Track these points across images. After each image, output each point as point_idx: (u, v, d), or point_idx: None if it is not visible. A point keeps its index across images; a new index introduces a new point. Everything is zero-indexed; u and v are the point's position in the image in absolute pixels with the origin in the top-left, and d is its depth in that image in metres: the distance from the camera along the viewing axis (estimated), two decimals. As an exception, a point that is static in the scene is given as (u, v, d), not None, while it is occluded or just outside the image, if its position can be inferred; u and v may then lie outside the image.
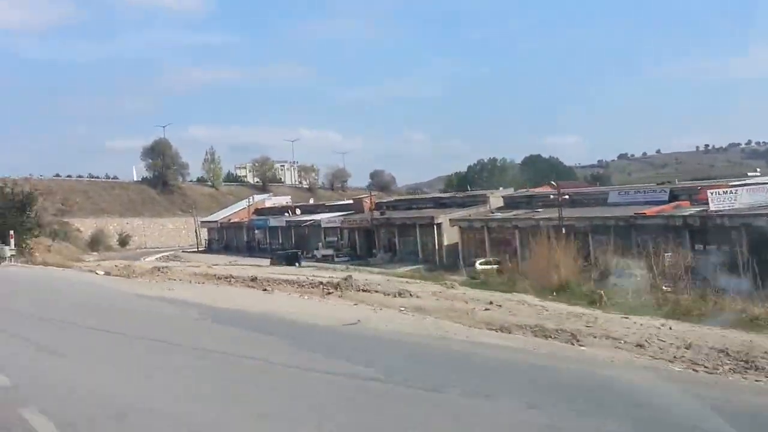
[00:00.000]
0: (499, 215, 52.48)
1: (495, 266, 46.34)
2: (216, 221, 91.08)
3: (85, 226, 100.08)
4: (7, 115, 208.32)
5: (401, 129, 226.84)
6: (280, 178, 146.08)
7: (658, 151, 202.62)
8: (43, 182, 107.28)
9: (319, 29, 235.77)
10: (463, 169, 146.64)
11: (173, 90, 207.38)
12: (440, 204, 62.65)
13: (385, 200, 67.81)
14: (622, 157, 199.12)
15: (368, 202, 68.77)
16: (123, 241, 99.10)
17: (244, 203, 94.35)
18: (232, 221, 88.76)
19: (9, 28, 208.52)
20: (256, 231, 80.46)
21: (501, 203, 56.98)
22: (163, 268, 28.39)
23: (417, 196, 72.92)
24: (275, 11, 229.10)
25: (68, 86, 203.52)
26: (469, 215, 55.15)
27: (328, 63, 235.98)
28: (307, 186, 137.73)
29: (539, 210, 50.64)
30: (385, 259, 58.66)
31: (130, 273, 24.48)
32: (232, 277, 23.80)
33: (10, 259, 30.75)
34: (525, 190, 65.23)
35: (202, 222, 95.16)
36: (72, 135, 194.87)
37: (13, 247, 31.65)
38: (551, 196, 49.90)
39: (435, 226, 55.46)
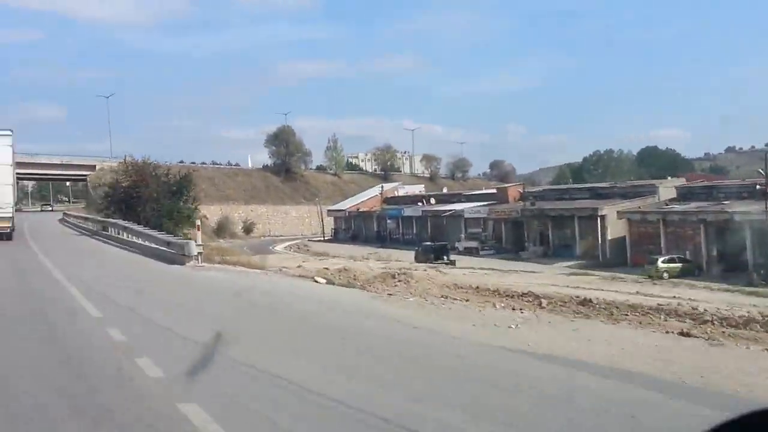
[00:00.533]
0: (678, 207, 46.69)
1: (681, 265, 40.95)
2: (343, 210, 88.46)
3: (211, 212, 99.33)
4: (124, 105, 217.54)
5: (501, 121, 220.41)
6: (398, 167, 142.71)
7: (767, 145, 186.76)
8: (171, 168, 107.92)
9: (423, 22, 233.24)
10: (567, 160, 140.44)
11: (281, 83, 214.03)
12: (597, 194, 57.20)
13: (533, 190, 62.69)
14: (729, 150, 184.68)
15: (513, 191, 64.07)
16: (248, 229, 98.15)
17: (372, 192, 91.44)
18: (360, 210, 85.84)
19: (126, 23, 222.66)
20: (389, 221, 77.10)
21: (673, 194, 51.14)
22: (398, 274, 22.34)
23: (568, 186, 67.28)
24: (380, 5, 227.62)
25: (181, 79, 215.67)
26: (639, 207, 49.62)
27: (431, 55, 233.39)
28: (428, 175, 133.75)
29: (725, 202, 44.66)
30: (537, 254, 53.92)
31: (357, 280, 19.22)
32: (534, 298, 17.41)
33: (197, 259, 21.22)
34: (701, 180, 58.85)
35: (329, 210, 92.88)
36: (184, 126, 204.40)
37: (200, 242, 22.61)
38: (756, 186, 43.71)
39: (598, 219, 50.25)
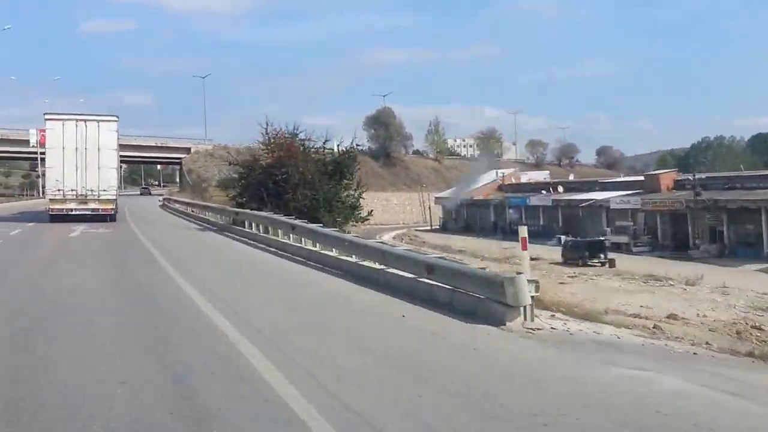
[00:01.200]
0: None
1: None
2: (454, 197, 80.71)
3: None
4: (213, 94, 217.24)
5: (585, 108, 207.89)
6: (498, 153, 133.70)
7: None
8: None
9: (507, 8, 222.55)
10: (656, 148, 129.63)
11: (367, 71, 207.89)
12: (778, 183, 47.74)
13: (693, 177, 53.44)
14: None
15: (667, 179, 55.09)
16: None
17: (486, 178, 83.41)
18: (474, 198, 77.98)
19: (214, 13, 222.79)
20: (510, 210, 68.98)
21: None
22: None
23: (740, 173, 57.63)
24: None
25: (268, 68, 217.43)
26: None
27: (513, 42, 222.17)
28: (533, 161, 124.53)
29: None
30: (711, 253, 45.04)
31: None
32: None
33: (527, 312, 8.69)
34: None
35: (436, 198, 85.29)
36: (273, 113, 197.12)
37: (529, 275, 9.93)
38: None
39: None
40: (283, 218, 19.98)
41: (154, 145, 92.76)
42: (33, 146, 79.87)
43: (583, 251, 42.86)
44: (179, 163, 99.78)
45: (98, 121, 29.06)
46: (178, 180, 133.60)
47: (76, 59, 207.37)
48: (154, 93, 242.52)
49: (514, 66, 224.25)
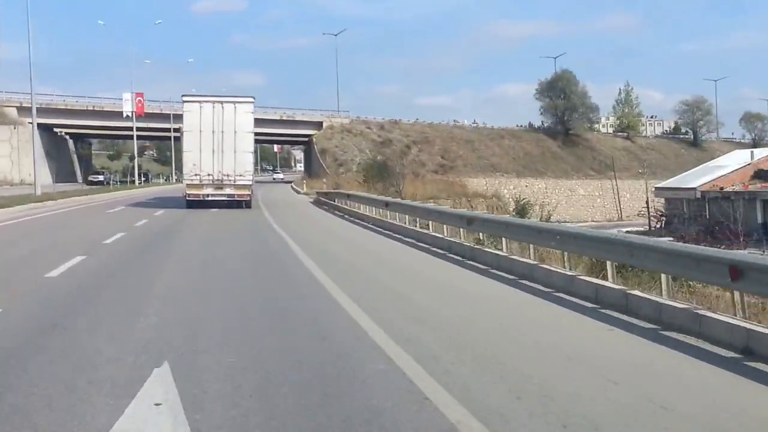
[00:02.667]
0: None
1: None
2: (690, 188, 56.67)
3: (474, 187, 71.88)
4: (328, 71, 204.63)
5: (728, 83, 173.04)
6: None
7: None
8: (414, 126, 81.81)
9: None
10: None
11: (483, 46, 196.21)
12: None
13: None
14: None
15: None
16: (522, 212, 69.19)
17: (727, 160, 59.17)
18: (722, 189, 53.60)
19: None
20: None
21: None
22: None
23: None
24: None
25: (385, 43, 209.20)
26: None
27: (651, 14, 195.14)
28: (751, 140, 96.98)
29: None
30: None
31: None
32: None
33: None
34: None
35: (657, 189, 61.43)
36: (389, 92, 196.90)
37: None
38: None
39: None
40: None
41: (277, 118, 73.67)
42: (127, 115, 63.14)
43: None
44: (306, 142, 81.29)
45: (234, 102, 27.79)
46: (301, 163, 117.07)
47: (190, 39, 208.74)
48: (266, 72, 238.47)
49: (651, 39, 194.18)
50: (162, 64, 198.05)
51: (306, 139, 79.17)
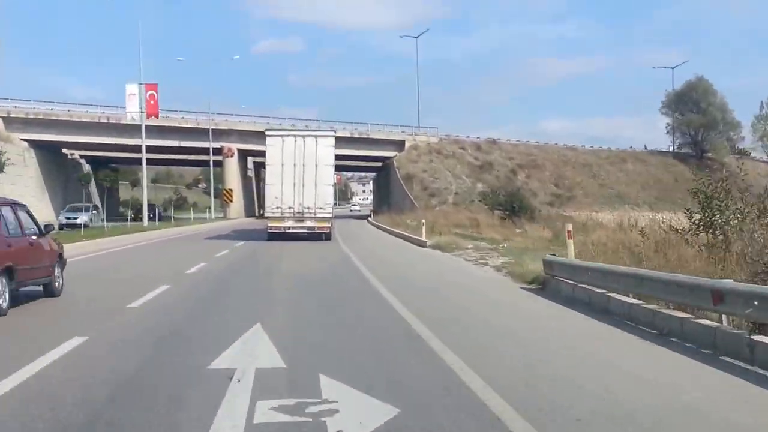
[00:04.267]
0: None
1: None
2: None
3: (599, 222, 54.46)
4: (372, 106, 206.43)
5: None
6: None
7: None
8: (518, 147, 65.41)
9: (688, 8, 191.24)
10: None
11: (530, 82, 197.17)
12: None
13: None
14: None
15: None
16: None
17: None
18: None
19: (378, 28, 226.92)
20: None
21: None
22: None
23: None
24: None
25: (435, 80, 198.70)
26: None
27: (699, 45, 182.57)
28: None
29: None
30: None
31: None
32: None
33: None
34: None
35: None
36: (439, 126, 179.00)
37: None
38: None
39: None
40: None
41: (348, 135, 57.59)
42: (133, 117, 46.14)
43: None
44: (380, 168, 65.37)
45: (316, 136, 28.49)
46: (370, 191, 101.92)
47: (250, 78, 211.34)
48: (322, 107, 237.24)
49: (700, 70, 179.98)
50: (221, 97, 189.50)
51: (381, 163, 63.14)
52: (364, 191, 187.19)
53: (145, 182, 47.53)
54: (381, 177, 67.80)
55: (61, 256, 11.08)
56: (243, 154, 60.78)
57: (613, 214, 55.05)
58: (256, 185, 75.79)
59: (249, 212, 61.67)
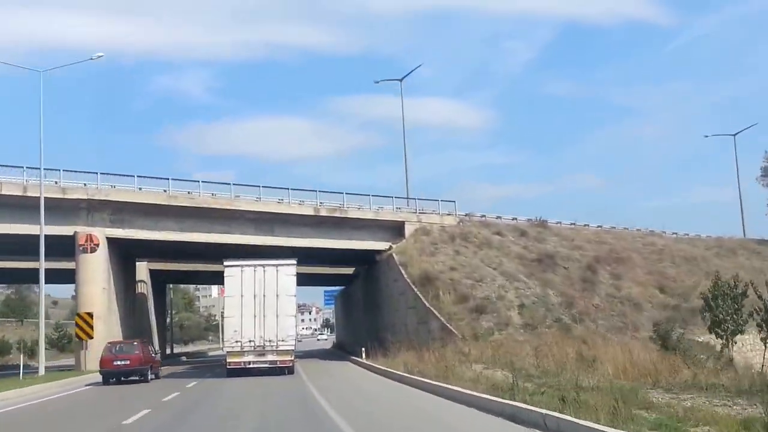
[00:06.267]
0: None
1: None
2: None
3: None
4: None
5: None
6: None
7: None
8: (581, 233, 41.84)
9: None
10: None
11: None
12: None
13: None
14: None
15: None
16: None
17: None
18: None
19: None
20: None
21: None
22: None
23: None
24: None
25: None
26: None
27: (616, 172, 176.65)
28: None
29: None
30: None
31: None
32: None
33: None
34: None
35: None
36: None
37: None
38: None
39: None
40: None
41: (312, 213, 32.97)
42: None
43: None
44: (354, 273, 40.71)
45: (277, 266, 26.60)
46: (316, 318, 71.78)
47: None
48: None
49: (622, 195, 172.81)
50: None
51: (354, 268, 38.42)
52: (307, 319, 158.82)
53: None
54: (367, 281, 41.79)
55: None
56: (124, 250, 34.82)
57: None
58: (157, 313, 49.67)
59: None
